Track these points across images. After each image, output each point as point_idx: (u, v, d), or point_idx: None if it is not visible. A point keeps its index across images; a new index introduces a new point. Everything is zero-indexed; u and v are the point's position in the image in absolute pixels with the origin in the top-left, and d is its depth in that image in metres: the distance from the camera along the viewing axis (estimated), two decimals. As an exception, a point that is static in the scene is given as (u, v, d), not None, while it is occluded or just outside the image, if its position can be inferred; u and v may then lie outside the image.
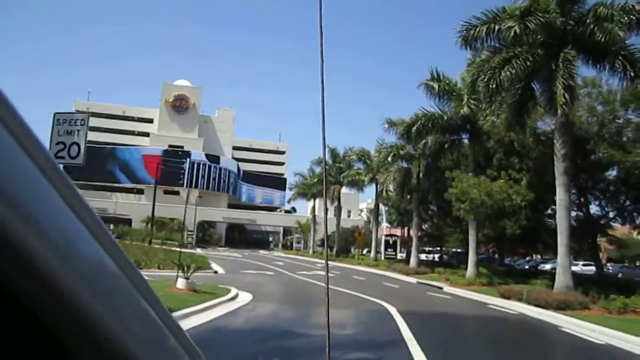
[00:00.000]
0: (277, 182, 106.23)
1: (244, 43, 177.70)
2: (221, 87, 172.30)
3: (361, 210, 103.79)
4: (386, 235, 43.44)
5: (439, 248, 48.59)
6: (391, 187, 40.87)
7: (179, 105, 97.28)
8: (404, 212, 44.40)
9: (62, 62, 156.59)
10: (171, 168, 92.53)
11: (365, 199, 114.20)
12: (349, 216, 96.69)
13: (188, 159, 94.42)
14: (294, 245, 73.41)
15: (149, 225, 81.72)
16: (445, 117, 31.17)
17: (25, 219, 0.60)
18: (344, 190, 64.67)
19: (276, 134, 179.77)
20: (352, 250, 67.47)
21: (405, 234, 51.46)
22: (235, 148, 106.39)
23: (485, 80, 20.90)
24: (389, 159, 39.18)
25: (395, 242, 43.10)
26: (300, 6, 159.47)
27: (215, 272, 32.51)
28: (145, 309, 0.85)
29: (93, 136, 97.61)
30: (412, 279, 34.10)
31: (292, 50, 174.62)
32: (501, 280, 27.98)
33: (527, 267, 43.91)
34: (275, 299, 19.05)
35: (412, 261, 39.23)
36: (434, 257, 51.26)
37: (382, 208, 54.39)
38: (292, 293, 21.58)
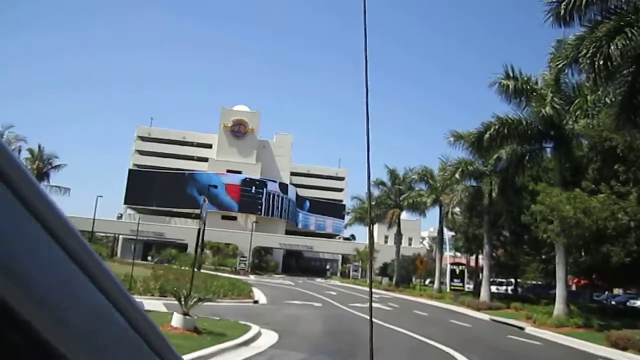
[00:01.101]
0: (336, 208, 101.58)
1: (302, 67, 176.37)
2: (280, 111, 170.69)
3: (423, 238, 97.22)
4: (452, 264, 37.67)
5: (512, 280, 42.20)
6: (457, 209, 35.32)
7: (238, 130, 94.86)
8: (473, 238, 38.48)
9: (125, 87, 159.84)
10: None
11: (428, 227, 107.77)
12: (410, 244, 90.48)
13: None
14: (351, 273, 68.05)
15: (203, 250, 78.99)
16: (524, 123, 25.59)
17: (17, 270, 0.55)
18: (404, 216, 59.14)
19: (335, 160, 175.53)
20: (413, 280, 61.45)
21: (473, 263, 45.32)
22: (293, 174, 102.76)
23: (589, 54, 15.41)
24: (456, 176, 33.75)
25: (462, 272, 37.20)
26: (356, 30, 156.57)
27: (256, 301, 27.87)
28: None
29: (153, 161, 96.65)
30: (485, 316, 28.29)
31: (350, 73, 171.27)
32: (601, 320, 21.88)
33: (613, 302, 36.93)
34: (308, 343, 13.99)
35: (484, 294, 33.24)
36: (506, 290, 44.75)
37: (447, 234, 48.61)
38: (334, 334, 16.49)
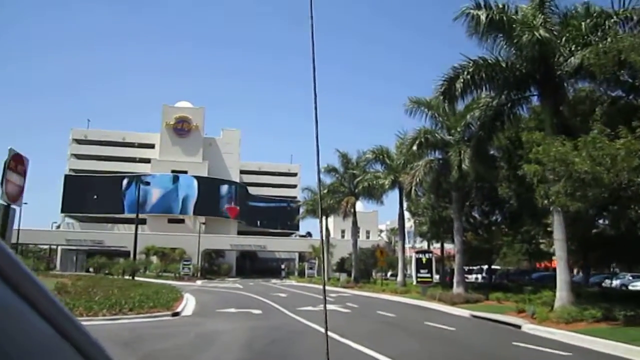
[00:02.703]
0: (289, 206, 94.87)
1: (245, 61, 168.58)
2: (225, 108, 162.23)
3: (381, 231, 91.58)
4: (417, 253, 31.65)
5: (483, 267, 36.65)
6: (419, 191, 29.43)
7: (181, 128, 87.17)
8: (439, 221, 32.61)
9: (57, 87, 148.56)
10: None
11: (385, 220, 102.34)
12: (367, 237, 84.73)
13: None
14: (307, 271, 61.57)
15: (148, 256, 71.03)
16: (504, 65, 19.61)
17: None
18: (360, 207, 53.11)
19: (287, 156, 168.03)
20: (374, 274, 55.43)
21: (438, 251, 39.57)
22: (243, 172, 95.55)
23: None
24: (414, 148, 27.65)
25: (429, 261, 31.20)
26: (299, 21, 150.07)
27: (176, 314, 20.93)
28: None
29: (93, 165, 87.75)
30: (463, 312, 22.30)
31: (295, 66, 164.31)
32: (621, 309, 16.06)
33: (612, 284, 31.77)
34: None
35: (457, 285, 27.34)
36: (476, 279, 39.12)
37: (409, 222, 42.81)
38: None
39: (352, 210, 44.96)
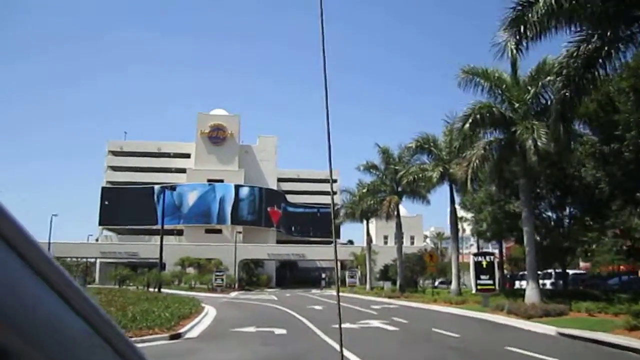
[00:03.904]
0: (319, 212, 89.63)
1: (281, 66, 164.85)
2: (261, 115, 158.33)
3: (426, 237, 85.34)
4: (476, 255, 26.00)
5: (551, 271, 30.56)
6: (476, 179, 23.89)
7: (216, 136, 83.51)
8: (505, 216, 26.76)
9: (93, 103, 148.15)
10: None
11: (429, 226, 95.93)
12: (412, 243, 78.51)
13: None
14: (347, 280, 56.23)
15: (183, 267, 67.09)
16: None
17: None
18: (404, 212, 47.50)
19: (324, 163, 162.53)
20: (420, 282, 49.60)
21: (498, 253, 33.49)
22: (280, 179, 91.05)
23: None
24: (466, 126, 22.10)
25: (491, 265, 25.50)
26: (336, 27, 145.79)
27: (176, 335, 15.99)
28: None
29: (130, 176, 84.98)
30: (546, 328, 16.67)
31: (333, 72, 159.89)
32: None
33: None
34: None
35: (531, 293, 21.58)
36: (543, 285, 32.93)
37: (461, 223, 36.90)
38: None
39: (396, 211, 39.46)
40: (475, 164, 22.15)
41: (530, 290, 21.60)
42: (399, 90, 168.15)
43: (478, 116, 21.58)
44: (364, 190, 41.92)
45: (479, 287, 25.50)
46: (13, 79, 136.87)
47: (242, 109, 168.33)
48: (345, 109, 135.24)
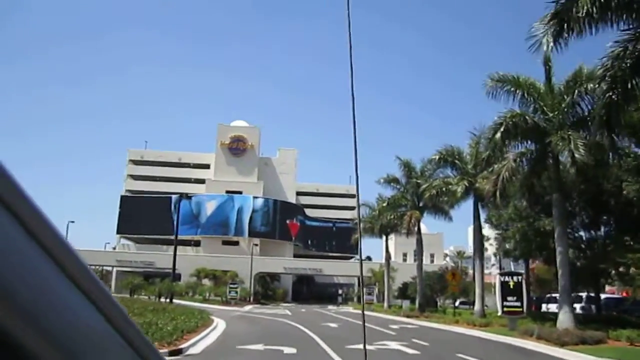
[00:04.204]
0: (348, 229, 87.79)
1: (302, 81, 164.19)
2: (281, 129, 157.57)
3: (446, 255, 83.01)
4: (503, 275, 24.20)
5: (586, 294, 28.50)
6: (499, 197, 22.17)
7: (236, 148, 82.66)
8: (536, 233, 24.80)
9: (113, 110, 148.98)
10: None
11: (449, 245, 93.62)
12: (432, 261, 76.21)
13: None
14: (365, 297, 54.50)
15: (199, 279, 65.88)
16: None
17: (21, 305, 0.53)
18: (424, 230, 45.71)
19: (344, 178, 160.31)
20: (440, 301, 47.55)
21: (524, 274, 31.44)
22: (299, 193, 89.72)
23: None
24: (497, 136, 20.47)
25: (519, 286, 23.66)
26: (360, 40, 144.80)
27: (177, 351, 14.60)
28: None
29: (149, 186, 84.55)
30: (584, 358, 14.85)
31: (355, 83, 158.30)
32: None
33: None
34: None
35: (564, 318, 19.72)
36: (574, 309, 30.82)
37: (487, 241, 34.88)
38: None
39: (417, 226, 37.72)
40: (505, 176, 20.49)
41: (563, 315, 19.74)
42: (425, 112, 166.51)
43: (510, 124, 19.97)
44: (384, 204, 40.25)
45: (505, 309, 23.66)
46: (31, 81, 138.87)
47: (263, 122, 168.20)
48: (369, 125, 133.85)
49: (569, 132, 19.48)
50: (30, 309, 0.53)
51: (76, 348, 0.59)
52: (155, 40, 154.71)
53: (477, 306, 29.36)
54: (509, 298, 23.68)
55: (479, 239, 29.71)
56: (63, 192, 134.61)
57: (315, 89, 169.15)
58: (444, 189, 30.17)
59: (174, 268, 40.19)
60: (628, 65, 13.52)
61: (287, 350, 15.35)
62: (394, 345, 17.41)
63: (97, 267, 72.90)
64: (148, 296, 40.53)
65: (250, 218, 78.80)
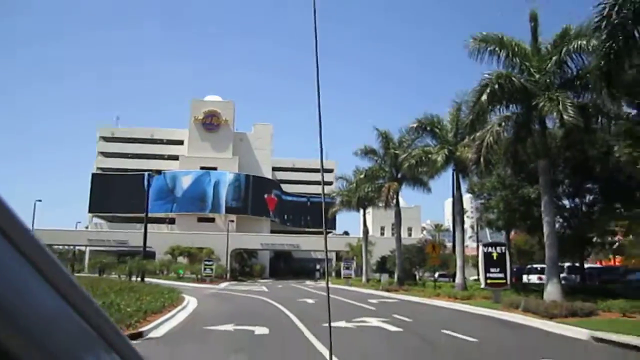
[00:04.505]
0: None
1: (276, 54, 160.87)
2: (255, 103, 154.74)
3: (423, 229, 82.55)
4: (486, 246, 23.13)
5: (568, 264, 27.72)
6: (483, 157, 20.88)
7: (210, 123, 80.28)
8: (519, 203, 23.56)
9: (83, 84, 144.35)
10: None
11: (427, 218, 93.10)
12: (409, 235, 75.62)
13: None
14: (342, 272, 53.40)
15: (174, 256, 64.15)
16: None
17: None
18: (402, 203, 44.53)
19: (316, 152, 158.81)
20: (419, 274, 46.78)
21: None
22: (275, 169, 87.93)
23: None
24: (483, 98, 19.06)
25: (502, 257, 22.63)
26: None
27: (137, 335, 13.01)
28: None
29: (121, 163, 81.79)
30: (575, 330, 13.77)
31: (329, 61, 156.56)
32: None
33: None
34: None
35: (552, 290, 18.68)
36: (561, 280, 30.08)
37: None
38: None
39: (395, 198, 36.51)
40: (489, 142, 19.17)
41: (551, 286, 18.69)
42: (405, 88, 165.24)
43: (496, 86, 18.57)
44: (361, 176, 38.83)
45: (488, 281, 22.62)
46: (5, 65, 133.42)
47: (237, 98, 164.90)
48: (348, 99, 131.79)
49: (557, 93, 18.19)
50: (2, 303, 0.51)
51: (48, 341, 0.57)
52: (128, 13, 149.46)
53: (459, 279, 28.35)
54: (492, 269, 22.62)
55: (460, 210, 28.52)
56: (35, 173, 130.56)
57: (291, 64, 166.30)
58: (423, 158, 28.79)
59: (144, 245, 38.52)
60: (629, 12, 12.12)
61: (259, 330, 13.96)
62: (374, 321, 16.15)
63: (69, 247, 70.64)
64: (118, 275, 38.68)
65: (227, 194, 76.97)
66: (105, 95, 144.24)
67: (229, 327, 14.71)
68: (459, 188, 28.71)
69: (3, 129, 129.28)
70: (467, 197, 35.82)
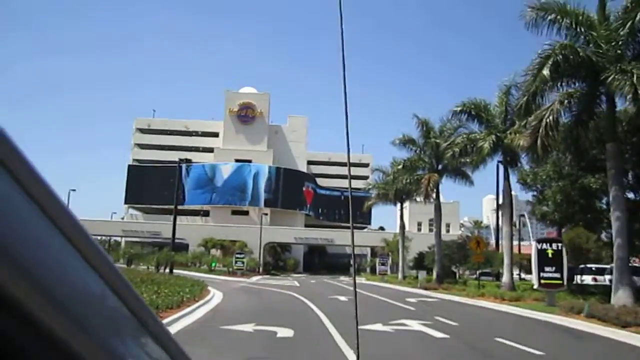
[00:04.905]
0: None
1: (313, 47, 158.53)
2: (291, 96, 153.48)
3: (462, 225, 79.24)
4: (540, 242, 20.54)
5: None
6: (542, 140, 18.27)
7: (245, 115, 78.84)
8: (580, 195, 20.81)
9: (122, 79, 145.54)
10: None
11: (464, 215, 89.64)
12: (447, 231, 72.53)
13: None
14: (378, 268, 50.98)
15: (207, 249, 63.02)
16: None
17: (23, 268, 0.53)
18: (441, 198, 41.99)
19: (356, 147, 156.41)
20: (459, 272, 44.11)
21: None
22: (311, 162, 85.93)
23: None
24: (545, 72, 16.48)
25: (558, 255, 20.07)
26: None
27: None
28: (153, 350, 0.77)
29: (156, 155, 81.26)
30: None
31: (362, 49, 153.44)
32: None
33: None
34: None
35: (623, 294, 16.02)
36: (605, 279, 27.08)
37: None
38: None
39: (435, 191, 34.00)
40: (549, 122, 16.59)
41: (622, 290, 16.02)
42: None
43: (560, 57, 15.99)
44: (399, 167, 36.37)
45: (542, 281, 20.04)
46: (36, 48, 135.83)
47: (273, 89, 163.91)
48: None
49: (631, 66, 15.52)
50: (32, 270, 0.52)
51: (81, 315, 0.58)
52: (164, 9, 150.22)
53: (506, 277, 25.69)
54: (547, 268, 20.05)
55: (509, 202, 25.79)
56: (69, 162, 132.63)
57: (328, 58, 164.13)
58: (468, 146, 26.19)
59: (173, 236, 37.28)
60: None
61: (282, 332, 11.96)
62: (415, 325, 13.94)
63: (105, 237, 70.53)
64: (147, 267, 37.44)
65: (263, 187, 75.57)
66: (142, 87, 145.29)
67: (249, 327, 12.78)
68: (507, 178, 25.98)
69: (43, 124, 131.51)
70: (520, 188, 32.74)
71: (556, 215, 23.59)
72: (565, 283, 20.27)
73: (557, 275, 19.96)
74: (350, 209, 2.75)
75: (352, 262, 67.63)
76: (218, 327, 12.97)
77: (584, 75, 17.34)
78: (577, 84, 17.92)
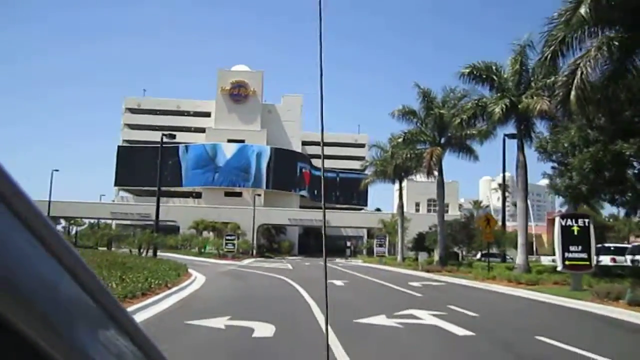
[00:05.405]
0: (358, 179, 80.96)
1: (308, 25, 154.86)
2: (287, 73, 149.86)
3: (461, 206, 76.54)
4: (565, 218, 17.65)
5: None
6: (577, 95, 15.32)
7: (238, 94, 75.48)
8: (611, 162, 17.87)
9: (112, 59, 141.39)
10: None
11: (461, 197, 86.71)
12: (446, 211, 69.75)
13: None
14: (375, 249, 48.24)
15: (198, 231, 60.13)
16: None
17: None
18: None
19: (354, 126, 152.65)
20: (462, 253, 41.37)
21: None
22: (305, 143, 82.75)
23: None
24: (582, 11, 13.50)
25: (585, 233, 17.27)
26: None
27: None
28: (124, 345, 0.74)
29: (146, 135, 77.83)
30: None
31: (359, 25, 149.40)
32: None
33: None
34: None
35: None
36: (636, 261, 24.34)
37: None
38: None
39: (438, 166, 31.09)
40: (584, 72, 13.62)
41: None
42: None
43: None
44: (399, 140, 33.39)
45: (567, 262, 17.24)
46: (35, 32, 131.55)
47: (267, 68, 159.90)
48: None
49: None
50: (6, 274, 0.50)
51: (38, 304, 0.55)
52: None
53: (520, 259, 22.88)
54: (572, 248, 17.25)
55: (524, 175, 22.85)
56: (60, 144, 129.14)
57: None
58: (477, 112, 23.17)
59: (157, 217, 34.66)
60: None
61: (261, 330, 9.09)
62: (426, 317, 11.10)
63: (91, 220, 67.65)
64: (130, 249, 34.57)
65: (256, 167, 72.50)
66: (133, 66, 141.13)
67: (221, 322, 9.95)
68: (521, 149, 22.98)
69: (26, 96, 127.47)
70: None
71: (583, 188, 20.64)
72: (592, 264, 17.47)
73: (584, 255, 17.18)
74: (322, 190, 2.44)
75: (349, 244, 65.05)
76: (187, 320, 10.13)
77: (622, 20, 14.30)
78: (613, 31, 14.91)
